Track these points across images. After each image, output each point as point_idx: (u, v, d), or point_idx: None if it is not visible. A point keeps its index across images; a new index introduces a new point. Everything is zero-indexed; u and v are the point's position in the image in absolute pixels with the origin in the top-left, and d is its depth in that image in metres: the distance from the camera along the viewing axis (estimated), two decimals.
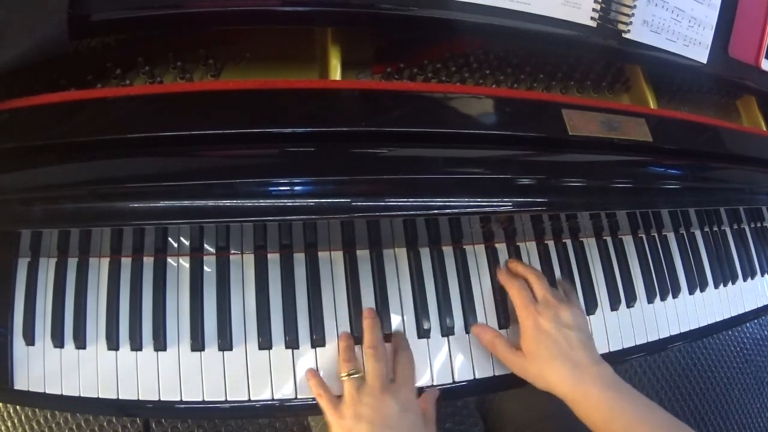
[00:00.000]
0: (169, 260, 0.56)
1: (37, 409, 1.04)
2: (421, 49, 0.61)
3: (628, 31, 0.57)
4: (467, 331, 0.59)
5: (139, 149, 0.44)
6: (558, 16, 0.55)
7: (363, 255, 0.59)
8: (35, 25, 0.44)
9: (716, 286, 0.76)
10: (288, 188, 0.46)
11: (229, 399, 0.53)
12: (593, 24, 0.56)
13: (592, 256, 0.67)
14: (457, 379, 0.58)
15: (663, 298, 0.70)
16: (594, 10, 0.56)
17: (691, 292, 0.73)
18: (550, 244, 0.65)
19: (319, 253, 0.58)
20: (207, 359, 0.54)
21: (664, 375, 1.39)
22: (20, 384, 0.52)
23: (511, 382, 0.58)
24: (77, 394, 0.52)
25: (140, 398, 0.52)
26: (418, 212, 0.50)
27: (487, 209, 0.51)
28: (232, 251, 0.57)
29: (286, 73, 0.58)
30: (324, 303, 0.56)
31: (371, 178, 0.48)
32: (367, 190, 0.48)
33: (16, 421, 1.04)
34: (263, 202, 0.45)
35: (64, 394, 0.52)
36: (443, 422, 1.10)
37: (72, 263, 0.55)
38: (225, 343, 0.54)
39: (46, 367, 0.53)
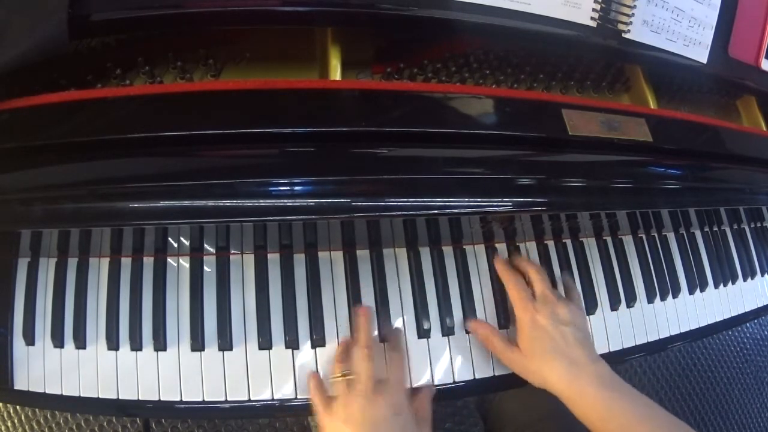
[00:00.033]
0: (169, 260, 0.56)
1: (37, 409, 1.04)
2: (421, 49, 0.61)
3: (628, 31, 0.57)
4: (467, 331, 0.59)
5: (139, 149, 0.44)
6: (558, 16, 0.55)
7: (363, 255, 0.59)
8: (35, 25, 0.44)
9: (716, 286, 0.76)
10: (288, 188, 0.46)
11: (229, 399, 0.53)
12: (593, 24, 0.56)
13: (592, 256, 0.67)
14: (457, 379, 0.58)
15: (663, 298, 0.70)
16: (594, 10, 0.56)
17: (691, 292, 0.73)
18: (550, 244, 0.65)
19: (319, 253, 0.58)
20: (207, 359, 0.54)
21: (664, 375, 1.39)
22: (20, 384, 0.52)
23: (511, 382, 0.58)
24: (77, 394, 0.52)
25: (140, 398, 0.52)
26: (418, 212, 0.50)
27: (487, 209, 0.51)
28: (232, 251, 0.57)
29: (286, 73, 0.58)
30: (324, 303, 0.56)
31: (371, 178, 0.48)
32: (367, 190, 0.48)
33: (16, 421, 1.04)
34: (263, 202, 0.45)
35: (64, 394, 0.52)
36: (443, 422, 1.10)
37: (72, 263, 0.55)
38: (225, 343, 0.54)
39: (46, 367, 0.53)
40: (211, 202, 0.44)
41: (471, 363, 0.59)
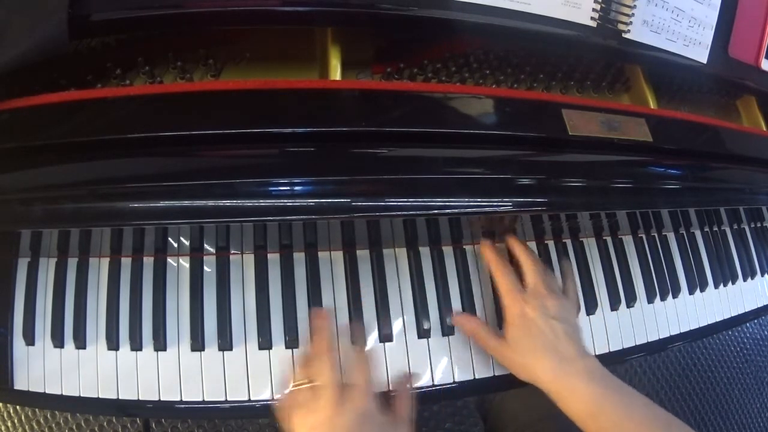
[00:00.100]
0: (169, 260, 0.56)
1: (37, 409, 1.04)
2: (421, 49, 0.61)
3: (628, 31, 0.57)
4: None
5: (139, 149, 0.44)
6: (558, 16, 0.55)
7: (363, 255, 0.59)
8: (35, 25, 0.44)
9: (716, 286, 0.76)
10: (288, 188, 0.46)
11: (229, 399, 0.53)
12: (593, 24, 0.56)
13: (592, 256, 0.67)
14: (457, 379, 0.58)
15: (663, 298, 0.70)
16: (594, 10, 0.56)
17: (691, 292, 0.73)
18: (550, 244, 0.65)
19: (319, 253, 0.58)
20: (207, 359, 0.54)
21: (664, 375, 1.39)
22: (20, 384, 0.52)
23: (511, 382, 0.58)
24: (77, 394, 0.52)
25: (140, 398, 0.52)
26: (418, 212, 0.50)
27: (487, 209, 0.51)
28: (232, 251, 0.57)
29: (286, 73, 0.58)
30: (324, 303, 0.56)
31: (371, 178, 0.48)
32: (367, 190, 0.48)
33: (16, 421, 1.04)
34: (263, 202, 0.45)
35: (64, 394, 0.52)
36: (443, 422, 1.10)
37: (72, 263, 0.55)
38: (225, 343, 0.54)
39: (46, 367, 0.53)
40: (211, 202, 0.44)
41: (471, 363, 0.58)
